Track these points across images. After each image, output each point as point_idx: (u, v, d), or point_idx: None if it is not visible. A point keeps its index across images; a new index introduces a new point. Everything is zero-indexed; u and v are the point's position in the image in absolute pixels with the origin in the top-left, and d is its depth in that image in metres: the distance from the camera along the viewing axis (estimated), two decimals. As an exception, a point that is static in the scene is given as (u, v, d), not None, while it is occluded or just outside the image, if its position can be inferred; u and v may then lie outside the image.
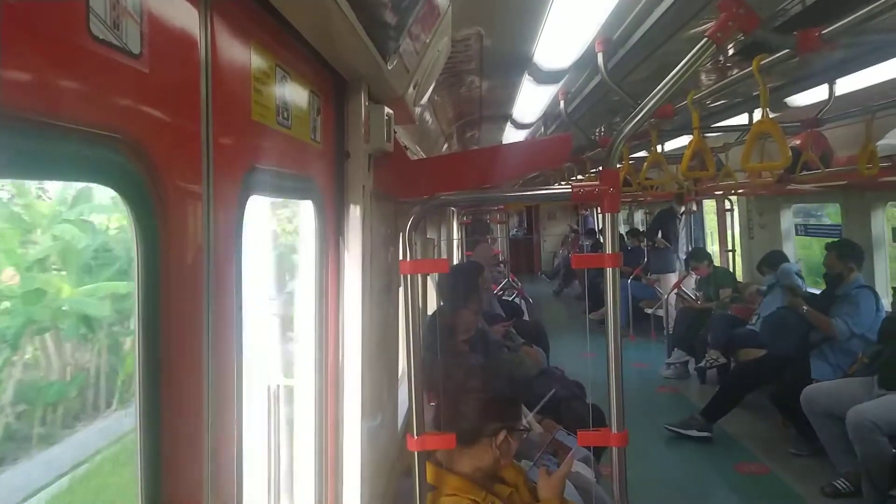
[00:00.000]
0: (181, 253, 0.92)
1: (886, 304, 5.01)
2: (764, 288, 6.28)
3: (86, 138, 0.72)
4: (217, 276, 1.00)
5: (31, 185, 2.17)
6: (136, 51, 0.79)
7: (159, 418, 0.86)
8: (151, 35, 0.82)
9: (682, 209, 8.78)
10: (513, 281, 8.89)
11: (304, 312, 1.63)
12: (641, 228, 10.92)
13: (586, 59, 2.97)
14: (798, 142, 4.15)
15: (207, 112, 0.98)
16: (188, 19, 0.93)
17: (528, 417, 2.87)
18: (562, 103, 3.98)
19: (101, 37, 0.72)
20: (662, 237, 9.31)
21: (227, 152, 1.06)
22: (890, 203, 5.46)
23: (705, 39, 1.80)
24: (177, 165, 0.91)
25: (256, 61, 1.16)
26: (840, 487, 4.13)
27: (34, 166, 0.67)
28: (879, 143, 3.97)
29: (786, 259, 6.20)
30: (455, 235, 8.39)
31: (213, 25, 0.98)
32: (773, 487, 4.41)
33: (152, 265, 0.84)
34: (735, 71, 3.17)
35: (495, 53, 3.11)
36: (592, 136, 4.98)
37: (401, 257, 1.87)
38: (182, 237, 0.92)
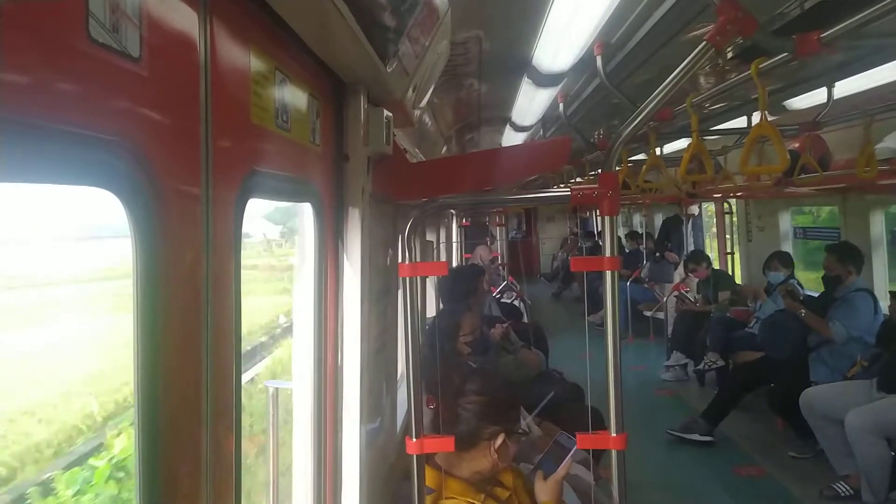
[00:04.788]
0: (180, 256, 0.92)
1: (884, 307, 5.01)
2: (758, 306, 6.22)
3: (84, 141, 0.72)
4: (216, 278, 1.00)
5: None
6: (136, 54, 0.79)
7: (158, 421, 0.86)
8: (151, 38, 0.81)
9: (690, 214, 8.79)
10: (511, 283, 8.88)
11: (303, 314, 1.62)
12: (640, 231, 10.92)
13: (585, 62, 2.97)
14: (797, 145, 4.15)
15: (207, 115, 0.97)
16: (187, 22, 0.93)
17: (527, 420, 2.86)
18: (561, 106, 3.98)
19: (100, 40, 0.72)
20: (669, 244, 9.32)
21: (227, 155, 1.06)
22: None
23: (704, 43, 1.81)
24: (176, 168, 0.91)
25: (256, 64, 1.16)
26: (839, 490, 4.13)
27: (31, 170, 0.67)
28: (878, 146, 3.98)
29: (790, 260, 6.18)
30: (454, 238, 8.38)
31: (213, 28, 0.98)
32: (771, 490, 4.41)
33: (150, 268, 0.84)
34: (734, 74, 3.17)
35: (494, 56, 3.12)
36: (591, 139, 4.98)
37: (400, 260, 1.87)
38: (180, 240, 0.92)
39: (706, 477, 4.73)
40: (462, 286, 4.46)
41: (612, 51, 2.74)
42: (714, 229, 9.02)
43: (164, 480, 0.87)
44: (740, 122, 4.39)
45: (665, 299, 8.20)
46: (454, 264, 7.76)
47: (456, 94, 4.04)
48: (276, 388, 1.57)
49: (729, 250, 8.16)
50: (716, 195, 7.34)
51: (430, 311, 4.81)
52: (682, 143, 5.44)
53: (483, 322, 4.39)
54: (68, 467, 2.17)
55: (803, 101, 3.92)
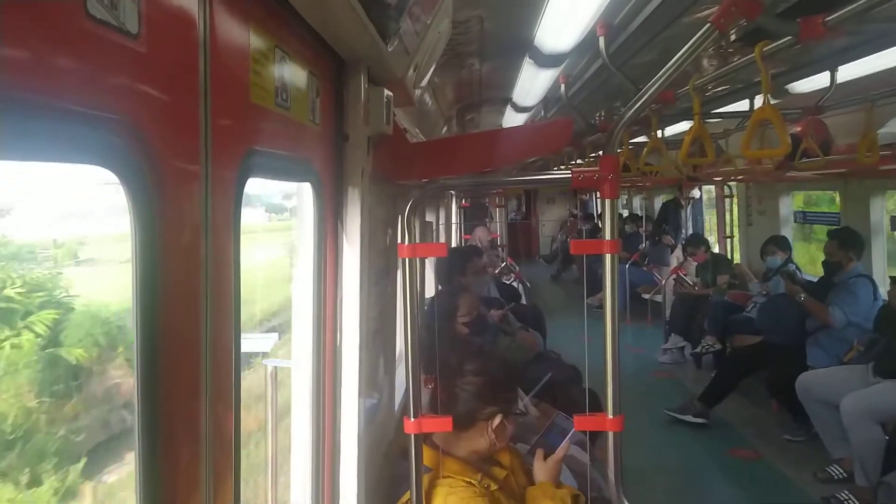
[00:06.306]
0: (179, 234, 0.92)
1: (884, 293, 5.02)
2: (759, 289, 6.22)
3: (82, 119, 0.72)
4: (215, 257, 1.00)
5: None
6: (134, 31, 0.78)
7: (158, 398, 0.86)
8: (150, 15, 0.81)
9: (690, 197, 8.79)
10: (511, 265, 8.89)
11: (302, 294, 1.63)
12: (640, 213, 10.92)
13: (587, 43, 2.95)
14: (798, 129, 4.14)
15: (206, 93, 0.97)
16: None
17: (525, 401, 2.88)
18: (562, 87, 3.95)
19: (98, 16, 0.71)
20: (666, 227, 9.33)
21: (226, 133, 1.05)
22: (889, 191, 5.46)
23: (708, 25, 1.79)
24: (174, 146, 0.91)
25: (255, 42, 1.15)
26: (833, 473, 4.17)
27: (29, 148, 0.66)
28: (880, 131, 3.96)
29: (788, 244, 6.18)
30: (454, 219, 8.37)
31: (213, 5, 0.97)
32: (766, 472, 4.46)
33: (149, 247, 0.84)
34: (737, 57, 3.15)
35: (496, 36, 3.09)
36: (592, 121, 4.95)
37: (399, 241, 1.87)
38: (180, 218, 0.92)
39: (702, 459, 4.77)
40: (458, 267, 4.46)
41: (615, 32, 2.71)
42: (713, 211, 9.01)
43: (164, 457, 0.88)
44: (742, 106, 4.36)
45: (664, 282, 8.21)
46: (453, 245, 7.76)
47: (457, 74, 4.01)
48: (275, 367, 1.57)
49: (729, 234, 8.16)
50: (717, 178, 7.33)
51: (430, 292, 4.82)
52: (683, 126, 5.41)
53: (482, 303, 4.40)
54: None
55: (806, 85, 3.90)
